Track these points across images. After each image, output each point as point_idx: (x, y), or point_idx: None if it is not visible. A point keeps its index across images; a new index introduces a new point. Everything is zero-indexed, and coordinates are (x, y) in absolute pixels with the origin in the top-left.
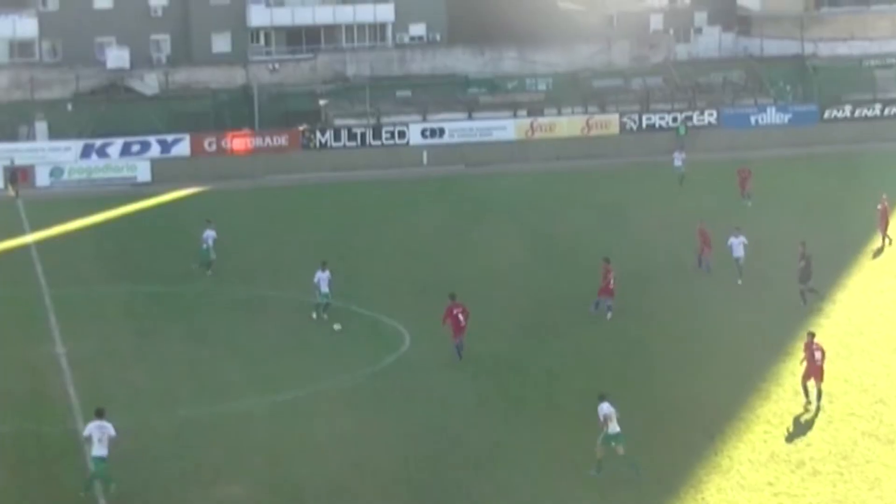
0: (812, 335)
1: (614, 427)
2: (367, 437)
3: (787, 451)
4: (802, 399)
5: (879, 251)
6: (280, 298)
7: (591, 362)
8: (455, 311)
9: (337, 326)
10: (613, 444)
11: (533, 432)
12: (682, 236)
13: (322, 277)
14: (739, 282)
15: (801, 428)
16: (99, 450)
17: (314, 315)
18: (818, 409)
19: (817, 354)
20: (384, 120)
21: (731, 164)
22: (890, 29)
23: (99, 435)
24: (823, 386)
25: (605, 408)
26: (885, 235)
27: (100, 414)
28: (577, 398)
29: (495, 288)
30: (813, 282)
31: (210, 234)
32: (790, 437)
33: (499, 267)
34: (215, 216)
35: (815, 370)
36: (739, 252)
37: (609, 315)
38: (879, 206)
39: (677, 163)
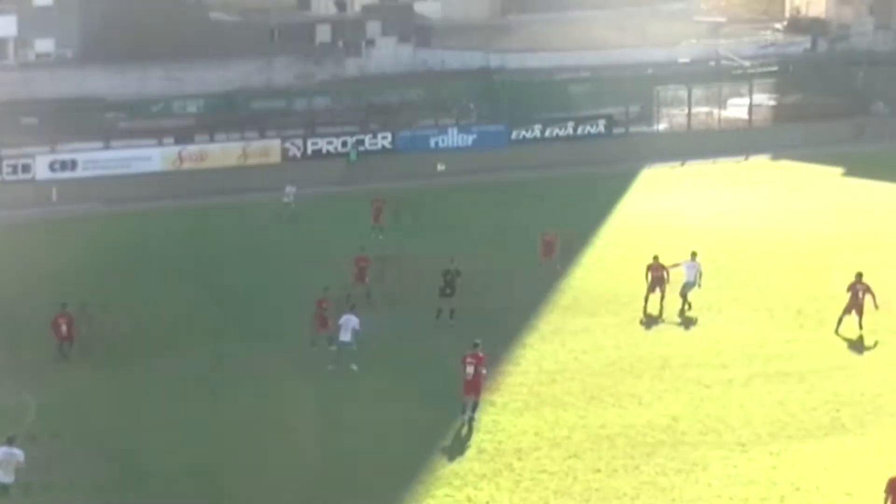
0: (476, 345)
1: (8, 476)
2: None
3: None
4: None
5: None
6: None
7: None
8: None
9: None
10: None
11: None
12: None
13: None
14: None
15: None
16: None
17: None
18: (471, 420)
19: (469, 369)
20: (5, 152)
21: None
22: (584, 39)
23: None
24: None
25: (1, 453)
26: (546, 260)
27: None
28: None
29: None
30: (456, 301)
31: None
32: None
33: (150, 330)
34: None
35: (468, 384)
36: (346, 337)
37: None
38: (546, 237)
39: (286, 199)
